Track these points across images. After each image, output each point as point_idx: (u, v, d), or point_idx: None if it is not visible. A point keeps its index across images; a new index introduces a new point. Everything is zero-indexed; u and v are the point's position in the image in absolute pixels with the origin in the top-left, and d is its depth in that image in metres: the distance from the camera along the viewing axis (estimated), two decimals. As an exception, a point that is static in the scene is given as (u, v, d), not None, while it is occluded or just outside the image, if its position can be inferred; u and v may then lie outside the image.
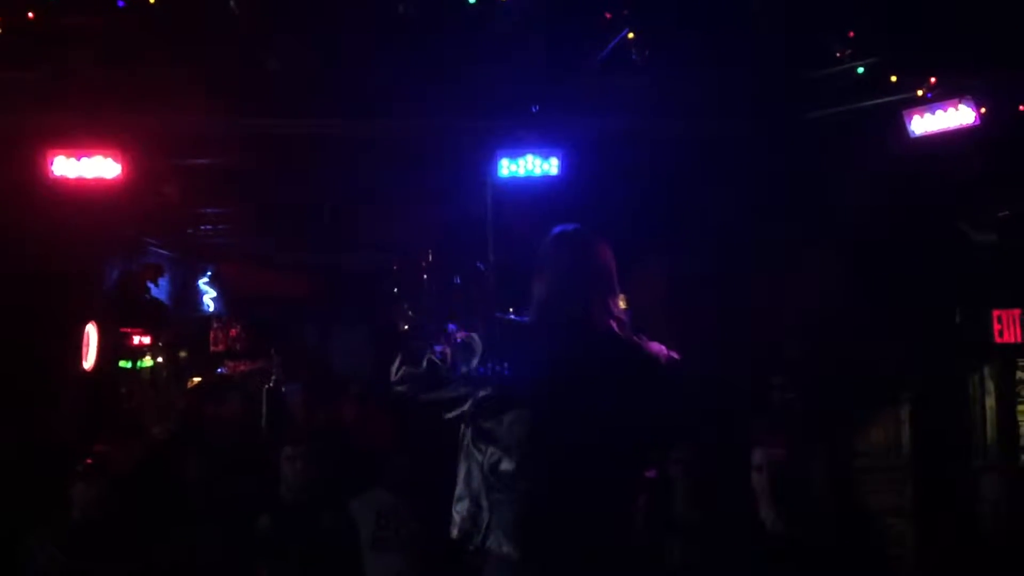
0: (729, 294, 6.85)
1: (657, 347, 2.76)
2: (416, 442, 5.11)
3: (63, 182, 5.72)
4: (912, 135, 5.06)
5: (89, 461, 4.51)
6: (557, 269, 2.78)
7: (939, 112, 4.91)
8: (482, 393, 2.66)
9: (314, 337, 10.94)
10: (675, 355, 2.76)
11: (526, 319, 2.80)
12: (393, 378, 2.85)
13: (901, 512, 5.40)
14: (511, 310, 2.99)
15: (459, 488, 2.73)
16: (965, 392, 5.55)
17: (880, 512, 5.35)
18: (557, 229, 2.85)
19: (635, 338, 2.76)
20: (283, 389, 8.25)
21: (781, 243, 6.43)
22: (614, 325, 2.73)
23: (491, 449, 2.66)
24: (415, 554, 4.69)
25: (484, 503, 2.67)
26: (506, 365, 2.66)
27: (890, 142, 5.27)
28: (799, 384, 6.39)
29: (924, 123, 4.99)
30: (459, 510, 2.72)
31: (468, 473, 2.72)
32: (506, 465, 2.63)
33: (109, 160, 5.72)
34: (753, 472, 3.98)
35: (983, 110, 4.82)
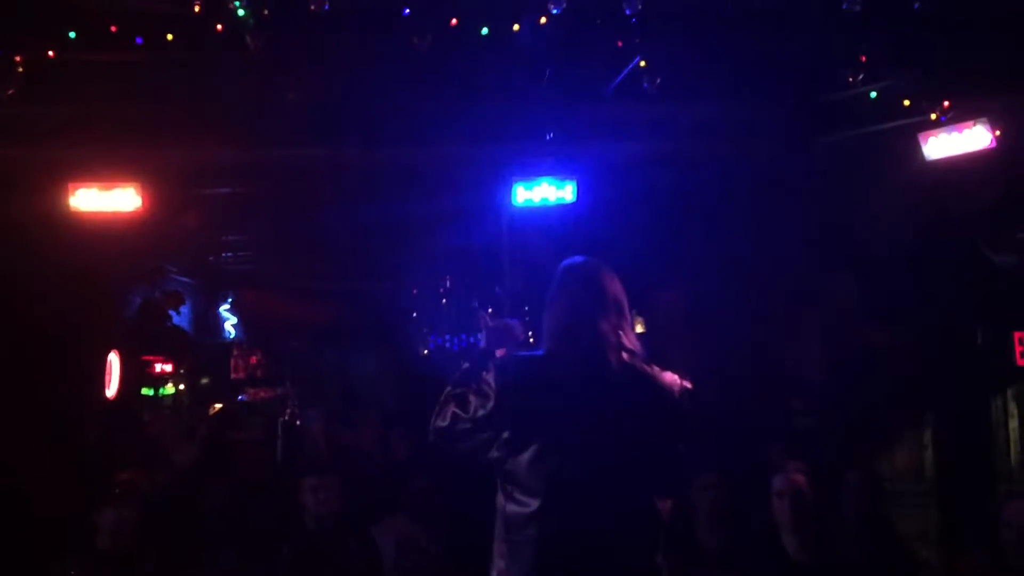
0: (747, 319, 6.82)
1: (671, 377, 2.76)
2: (437, 467, 5.12)
3: (84, 214, 5.80)
4: (928, 159, 5.04)
5: (116, 489, 4.54)
6: (566, 302, 2.81)
7: (955, 134, 4.89)
8: (505, 435, 2.67)
9: (333, 363, 10.98)
10: (688, 384, 2.76)
11: (539, 352, 2.81)
12: (433, 429, 2.86)
13: (926, 537, 5.33)
14: (527, 342, 3.01)
15: (497, 528, 2.74)
16: (988, 415, 5.49)
17: (905, 537, 5.28)
18: (565, 262, 2.89)
19: (648, 369, 2.76)
20: (297, 422, 8.27)
21: (800, 267, 6.40)
22: (626, 357, 2.73)
23: (511, 489, 2.67)
24: None
25: (503, 546, 2.67)
26: (520, 403, 2.66)
27: (907, 166, 5.25)
28: (819, 409, 6.35)
29: (940, 146, 4.96)
30: (498, 551, 2.71)
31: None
32: (519, 507, 2.63)
33: (130, 192, 5.79)
34: (774, 498, 3.94)
35: (998, 132, 4.80)
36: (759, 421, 6.29)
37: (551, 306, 2.83)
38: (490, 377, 2.73)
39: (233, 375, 10.73)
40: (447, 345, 10.54)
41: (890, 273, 5.77)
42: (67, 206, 5.75)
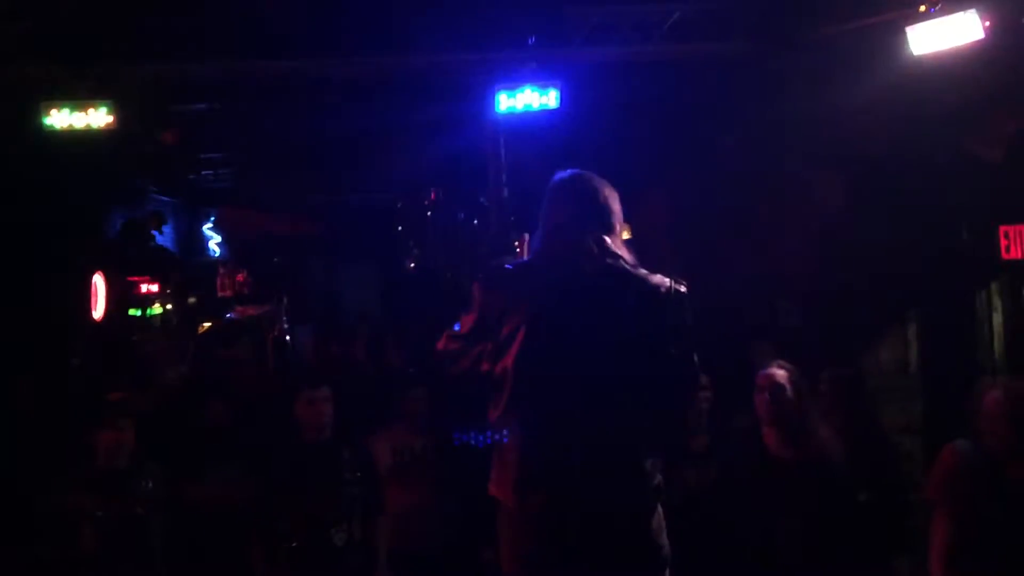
0: (731, 220, 6.83)
1: (660, 278, 2.75)
2: (430, 378, 5.17)
3: (57, 132, 5.69)
4: (914, 53, 4.96)
5: (109, 410, 4.56)
6: (552, 214, 2.81)
7: (943, 26, 4.78)
8: (489, 345, 2.69)
9: (321, 277, 10.99)
10: (682, 287, 2.75)
11: (521, 261, 2.83)
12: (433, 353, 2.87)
13: (911, 430, 5.45)
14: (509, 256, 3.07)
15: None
16: (973, 310, 5.54)
17: (889, 431, 5.40)
18: (556, 176, 2.86)
19: (633, 270, 2.75)
20: (287, 337, 8.30)
21: (786, 166, 6.38)
22: (609, 261, 2.72)
23: (496, 397, 2.68)
24: (432, 488, 4.76)
25: (495, 456, 2.69)
26: (501, 309, 2.67)
27: (893, 62, 5.18)
28: (804, 306, 6.40)
29: (927, 40, 4.87)
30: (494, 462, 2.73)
31: None
32: (504, 415, 2.65)
33: (102, 110, 5.67)
34: (755, 393, 3.98)
35: (987, 24, 4.70)
36: (744, 320, 6.35)
37: (540, 220, 2.84)
38: (475, 289, 2.78)
39: (220, 293, 10.73)
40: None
41: (875, 170, 5.75)
42: (41, 125, 5.64)
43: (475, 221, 9.15)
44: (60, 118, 5.64)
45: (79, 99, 5.62)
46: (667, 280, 2.73)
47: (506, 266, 2.89)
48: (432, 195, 10.27)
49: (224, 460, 4.62)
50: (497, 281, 2.78)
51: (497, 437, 2.72)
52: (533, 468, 2.60)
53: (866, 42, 5.30)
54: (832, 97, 5.66)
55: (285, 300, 9.87)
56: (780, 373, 3.95)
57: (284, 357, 7.85)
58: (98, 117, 5.66)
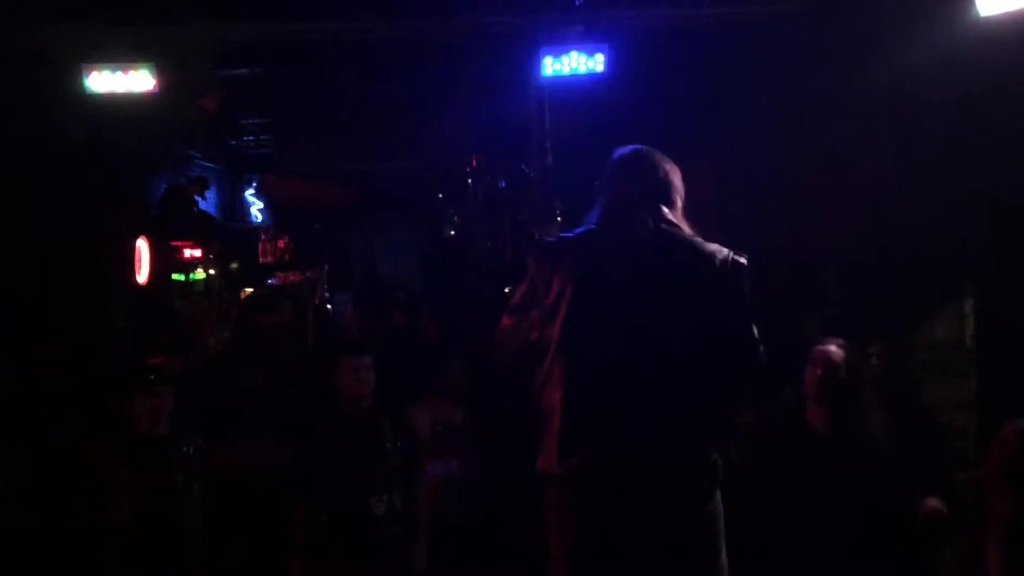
0: (780, 191, 6.66)
1: (716, 247, 2.69)
2: (469, 349, 5.13)
3: (99, 97, 5.68)
4: (980, 15, 4.74)
5: (151, 375, 4.56)
6: (615, 188, 2.79)
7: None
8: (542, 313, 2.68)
9: (360, 245, 10.97)
10: (741, 258, 2.67)
11: (577, 231, 2.79)
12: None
13: (963, 406, 5.30)
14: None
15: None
16: (1032, 285, 5.36)
17: (941, 407, 5.26)
18: (617, 152, 2.85)
19: (693, 239, 2.68)
20: (328, 305, 8.28)
21: (837, 135, 6.19)
22: (664, 226, 2.69)
23: (546, 364, 2.66)
24: (472, 461, 4.73)
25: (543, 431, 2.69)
26: (553, 277, 2.64)
27: (954, 23, 4.97)
28: (854, 280, 6.23)
29: (995, 1, 4.65)
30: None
31: None
32: (552, 385, 2.62)
33: (144, 73, 5.65)
34: (807, 368, 3.86)
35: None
36: (792, 293, 6.20)
37: (598, 194, 2.83)
38: (529, 262, 2.75)
39: (261, 259, 10.76)
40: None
41: (934, 139, 5.55)
42: (83, 88, 5.63)
43: (517, 189, 9.06)
44: (101, 81, 5.62)
45: (120, 62, 5.60)
46: (724, 250, 2.66)
47: (561, 235, 2.89)
48: (473, 162, 10.17)
49: (263, 426, 4.61)
50: (550, 252, 2.76)
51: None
52: (576, 429, 2.57)
53: (929, 4, 5.09)
54: (887, 62, 5.47)
55: (326, 267, 9.87)
56: (836, 351, 3.83)
57: (326, 324, 7.83)
58: (139, 81, 5.64)
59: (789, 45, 6.02)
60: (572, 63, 5.80)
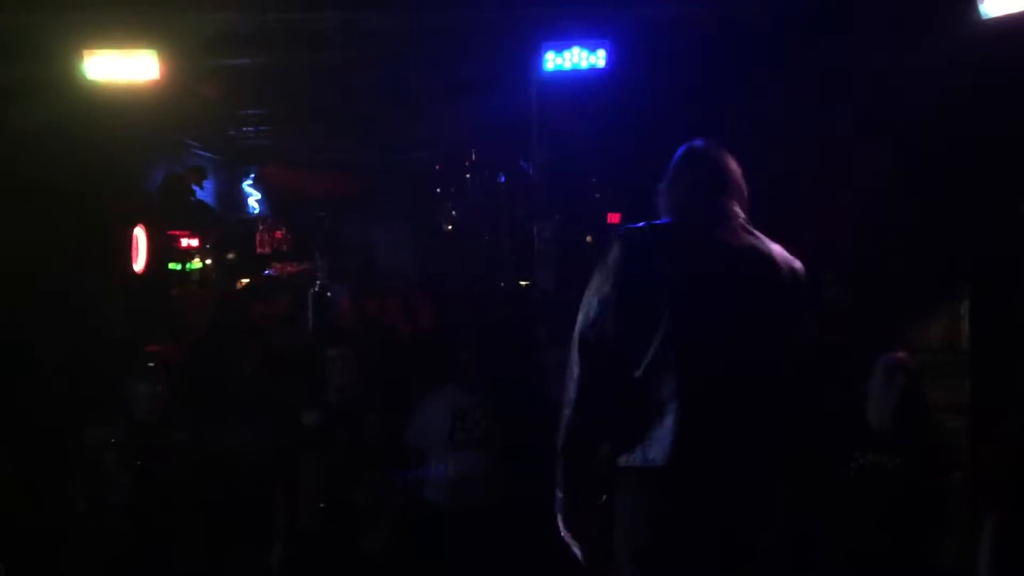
0: (778, 187, 6.65)
1: (781, 250, 2.68)
2: (482, 340, 5.16)
3: (99, 83, 5.66)
4: (984, 16, 4.74)
5: (148, 362, 4.58)
6: (687, 179, 2.72)
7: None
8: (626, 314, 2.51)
9: (357, 237, 10.97)
10: (796, 263, 2.66)
11: (662, 221, 2.70)
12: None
13: (957, 408, 5.30)
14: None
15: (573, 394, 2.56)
16: (1027, 287, 5.37)
17: (935, 408, 5.26)
18: (685, 146, 2.78)
19: (770, 242, 2.67)
20: (328, 293, 8.30)
21: (838, 136, 6.19)
22: (749, 232, 2.65)
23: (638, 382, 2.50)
24: (494, 452, 4.75)
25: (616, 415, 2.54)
26: (644, 271, 2.54)
27: (956, 24, 4.97)
28: (851, 280, 6.24)
29: (1000, 2, 4.65)
30: (575, 419, 2.54)
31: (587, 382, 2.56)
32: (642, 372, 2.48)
33: (147, 58, 5.63)
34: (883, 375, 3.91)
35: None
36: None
37: (669, 188, 2.74)
38: (612, 250, 2.58)
39: (259, 250, 10.77)
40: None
41: (932, 139, 5.55)
42: (82, 74, 5.61)
43: (516, 185, 9.06)
44: (102, 67, 5.60)
45: (122, 48, 5.58)
46: (792, 258, 2.66)
47: (642, 224, 2.69)
48: (472, 156, 10.18)
49: (254, 413, 4.64)
50: (638, 239, 2.61)
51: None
52: (695, 425, 2.46)
53: (931, 4, 5.09)
54: (888, 60, 5.47)
55: (322, 259, 9.88)
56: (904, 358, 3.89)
57: (322, 312, 7.85)
58: (141, 69, 5.62)
59: (793, 43, 6.01)
60: (573, 58, 5.79)
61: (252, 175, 11.78)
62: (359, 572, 4.32)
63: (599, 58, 5.77)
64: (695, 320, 2.48)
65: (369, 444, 4.37)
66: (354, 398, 4.44)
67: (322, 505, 4.24)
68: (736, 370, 2.48)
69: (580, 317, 2.57)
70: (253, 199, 11.89)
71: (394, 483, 4.44)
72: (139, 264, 7.89)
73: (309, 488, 4.23)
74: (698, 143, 2.79)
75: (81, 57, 5.62)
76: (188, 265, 9.62)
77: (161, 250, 8.48)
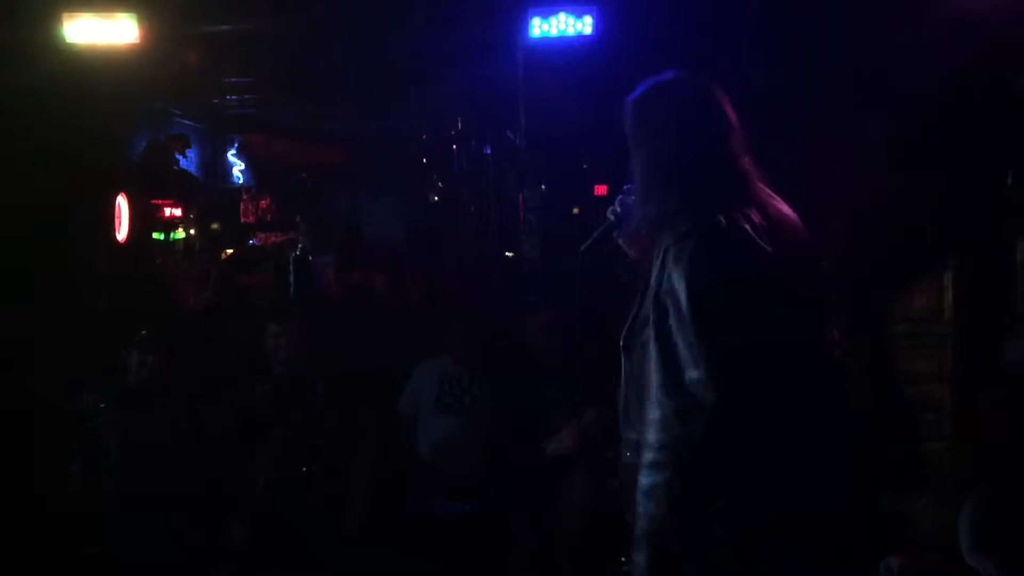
0: (768, 160, 6.64)
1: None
2: (474, 312, 5.19)
3: (79, 48, 5.59)
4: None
5: (143, 331, 4.61)
6: (709, 132, 2.12)
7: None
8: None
9: (344, 207, 10.90)
10: None
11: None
12: None
13: (940, 378, 5.35)
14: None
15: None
16: (1012, 258, 5.39)
17: (918, 378, 5.30)
18: (681, 77, 2.19)
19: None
20: (309, 257, 8.25)
21: (822, 107, 6.17)
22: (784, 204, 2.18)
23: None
24: (475, 420, 4.78)
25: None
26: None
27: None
28: (836, 250, 6.25)
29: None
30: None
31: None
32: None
33: (127, 21, 5.56)
34: None
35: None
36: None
37: (650, 140, 2.12)
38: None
39: (243, 219, 10.70)
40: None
41: (916, 111, 5.55)
42: (62, 37, 5.54)
43: (502, 155, 9.01)
44: (82, 30, 5.53)
45: (101, 10, 5.50)
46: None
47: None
48: (458, 125, 10.08)
49: (233, 383, 4.65)
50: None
51: None
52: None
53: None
54: (875, 34, 5.46)
55: (303, 224, 9.82)
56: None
57: (305, 279, 7.81)
58: (122, 31, 5.55)
59: (784, 17, 5.98)
60: (560, 25, 5.75)
61: (236, 144, 11.68)
62: (324, 548, 4.31)
63: (586, 24, 5.73)
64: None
65: (320, 419, 4.38)
66: (300, 371, 4.48)
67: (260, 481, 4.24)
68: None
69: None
70: (237, 168, 11.79)
71: (366, 459, 4.44)
72: (122, 233, 7.82)
73: (263, 462, 4.25)
74: (697, 77, 2.25)
75: (60, 20, 5.54)
76: (172, 235, 9.55)
77: (144, 219, 8.40)
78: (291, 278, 7.51)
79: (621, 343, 2.17)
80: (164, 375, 4.41)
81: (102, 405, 4.28)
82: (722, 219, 1.98)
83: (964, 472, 3.30)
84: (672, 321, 1.93)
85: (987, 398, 3.33)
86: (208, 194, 10.48)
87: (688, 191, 2.05)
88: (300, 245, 8.44)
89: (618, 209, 2.28)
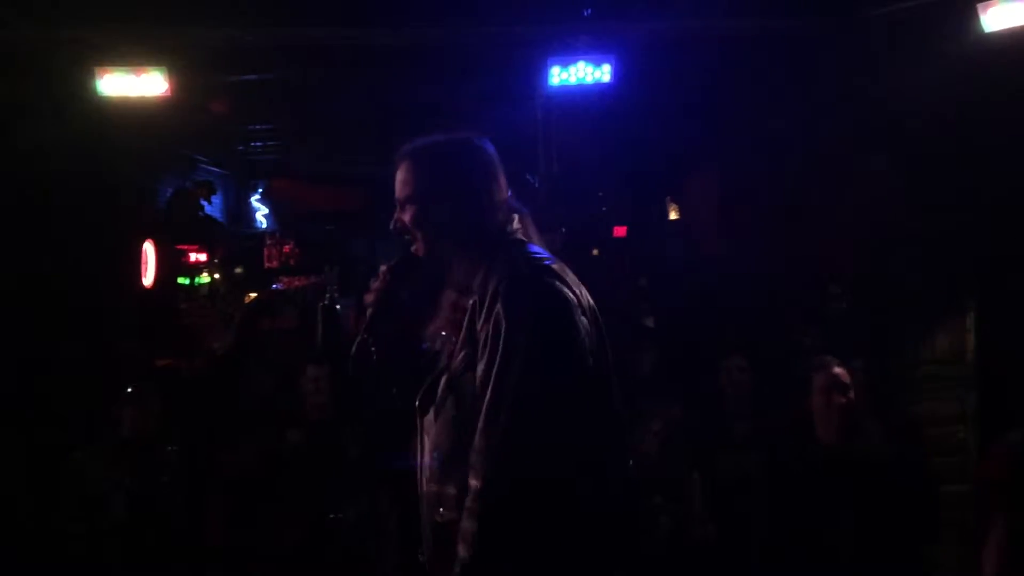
0: (782, 202, 6.68)
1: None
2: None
3: (111, 99, 5.73)
4: (986, 31, 4.77)
5: (154, 378, 4.61)
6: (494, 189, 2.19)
7: (1019, 3, 4.60)
8: None
9: (363, 252, 10.99)
10: None
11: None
12: None
13: (963, 420, 5.32)
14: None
15: None
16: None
17: (940, 420, 5.28)
18: (464, 138, 2.27)
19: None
20: (337, 306, 8.28)
21: (841, 149, 6.22)
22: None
23: None
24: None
25: None
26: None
27: (962, 40, 5.00)
28: (855, 292, 6.26)
29: (1001, 16, 4.68)
30: None
31: None
32: None
33: (157, 76, 5.69)
34: (816, 394, 3.93)
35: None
36: (793, 303, 6.23)
37: (464, 196, 2.21)
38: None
39: (267, 264, 10.78)
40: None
41: (938, 151, 5.58)
42: (94, 91, 5.68)
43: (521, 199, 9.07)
44: (113, 84, 5.67)
45: (133, 65, 5.65)
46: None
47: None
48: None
49: (260, 430, 4.65)
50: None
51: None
52: None
53: (934, 20, 5.13)
54: (890, 76, 5.51)
55: (333, 271, 9.88)
56: (841, 371, 3.91)
57: (331, 328, 7.83)
58: (152, 85, 5.68)
59: (796, 59, 6.05)
60: (579, 73, 5.84)
61: (260, 190, 11.83)
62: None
63: (604, 73, 5.82)
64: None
65: (350, 461, 4.37)
66: (330, 416, 4.46)
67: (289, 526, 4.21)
68: None
69: None
70: (261, 213, 11.93)
71: (394, 498, 4.42)
72: (148, 279, 7.93)
73: (292, 507, 4.23)
74: (474, 136, 2.27)
75: (93, 75, 5.69)
76: (196, 279, 9.65)
77: (170, 264, 8.52)
78: (320, 328, 7.55)
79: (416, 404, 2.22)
80: (158, 425, 4.39)
81: (97, 461, 4.24)
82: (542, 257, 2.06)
83: (987, 514, 3.27)
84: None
85: (1013, 439, 3.31)
86: (232, 239, 10.61)
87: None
88: (328, 295, 8.46)
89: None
